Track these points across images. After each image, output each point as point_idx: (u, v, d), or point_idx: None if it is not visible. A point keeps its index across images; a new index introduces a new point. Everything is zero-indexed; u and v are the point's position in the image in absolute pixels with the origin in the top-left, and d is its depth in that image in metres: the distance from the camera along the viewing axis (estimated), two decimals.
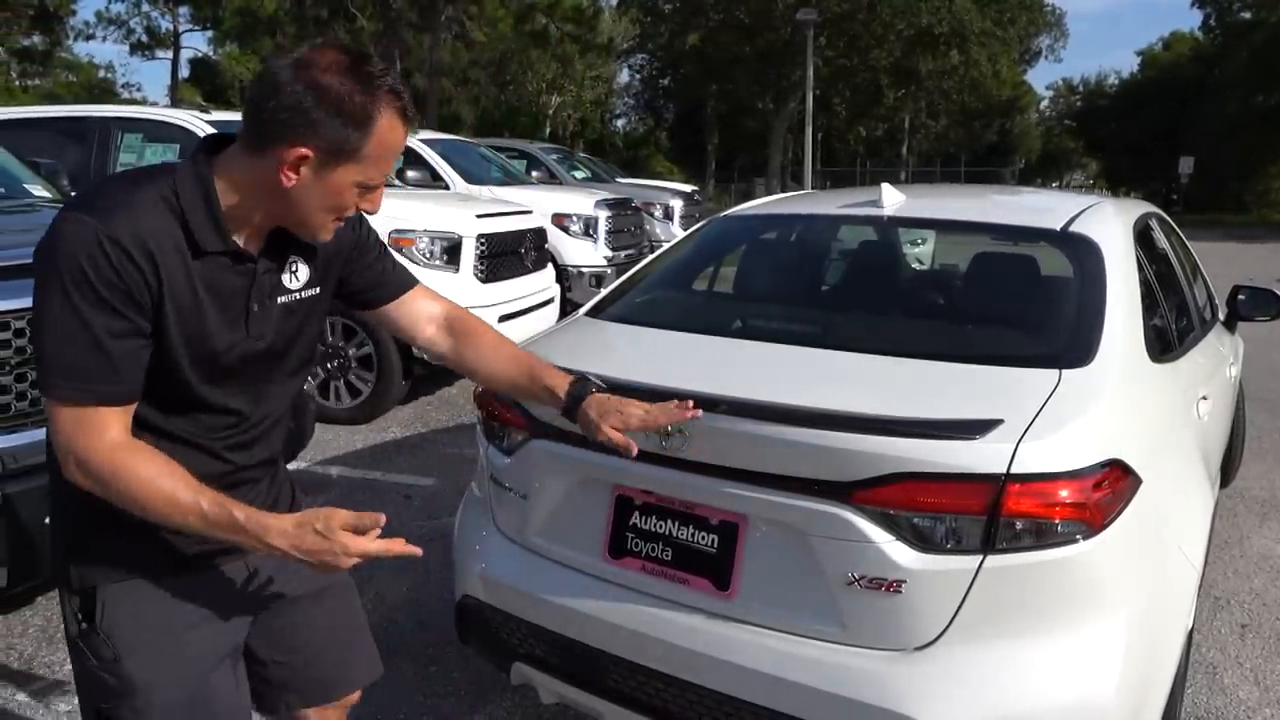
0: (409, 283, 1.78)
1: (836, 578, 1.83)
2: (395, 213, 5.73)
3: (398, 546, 1.42)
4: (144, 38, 35.39)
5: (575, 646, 2.13)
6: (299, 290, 1.57)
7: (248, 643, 1.68)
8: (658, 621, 2.01)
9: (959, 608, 1.78)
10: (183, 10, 35.09)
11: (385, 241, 5.58)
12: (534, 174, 11.29)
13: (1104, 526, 1.81)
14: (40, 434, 2.69)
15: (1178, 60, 47.19)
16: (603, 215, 8.62)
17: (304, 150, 1.34)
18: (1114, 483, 1.85)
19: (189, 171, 1.39)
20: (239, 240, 1.43)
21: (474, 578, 2.34)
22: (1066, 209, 2.76)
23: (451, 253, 5.76)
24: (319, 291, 1.62)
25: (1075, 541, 1.78)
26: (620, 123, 50.39)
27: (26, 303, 2.68)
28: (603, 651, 2.08)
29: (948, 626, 1.79)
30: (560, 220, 8.32)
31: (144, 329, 1.35)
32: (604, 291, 2.86)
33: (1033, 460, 1.76)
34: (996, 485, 1.75)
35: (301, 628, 1.73)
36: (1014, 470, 1.75)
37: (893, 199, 2.85)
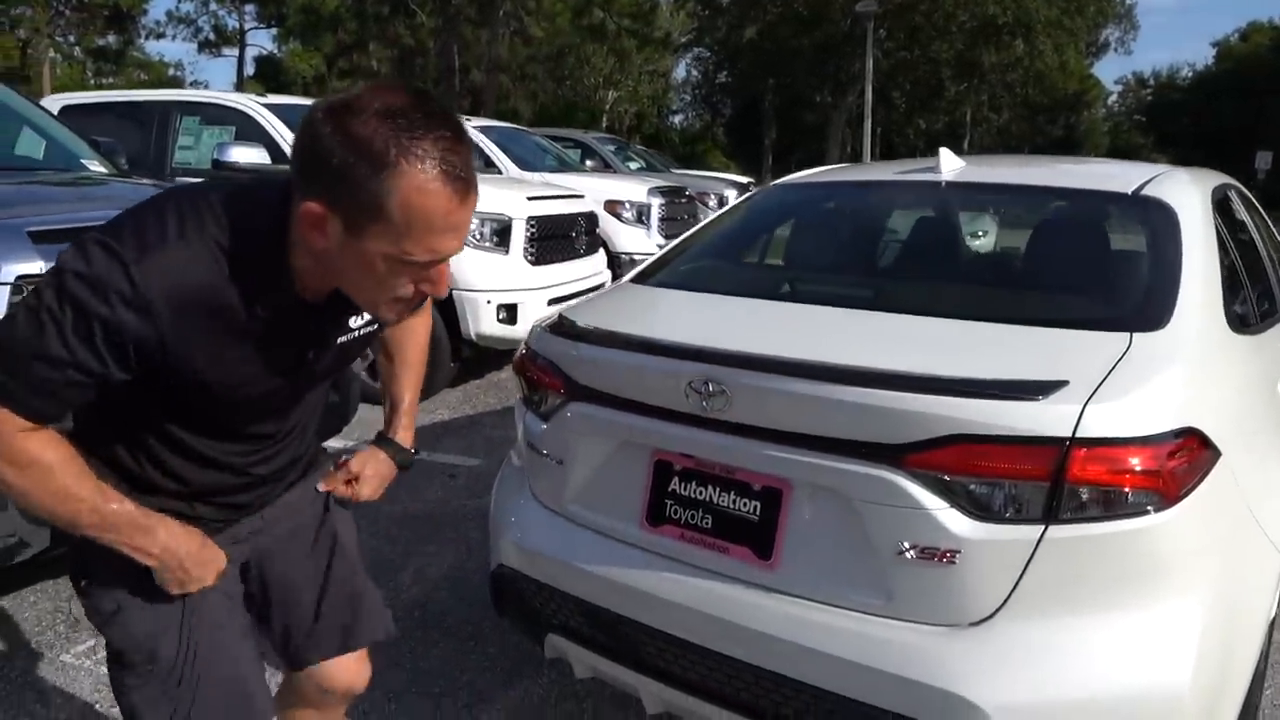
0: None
1: (885, 547, 1.72)
2: None
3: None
4: (211, 36, 36.23)
5: (610, 617, 2.05)
6: (359, 328, 1.47)
7: (251, 593, 1.65)
8: (696, 592, 1.92)
9: (1018, 582, 1.66)
10: (249, 8, 35.87)
11: None
12: (588, 163, 11.25)
13: (1178, 499, 1.67)
14: None
15: (1255, 51, 45.54)
16: (656, 202, 8.54)
17: (317, 207, 1.15)
18: (1190, 453, 1.71)
19: (260, 217, 1.23)
20: (306, 293, 1.29)
21: (509, 547, 2.28)
22: (1138, 174, 2.60)
23: (501, 234, 5.73)
24: (376, 327, 1.52)
25: (1147, 513, 1.64)
26: (677, 119, 50.25)
27: None
28: (638, 623, 2.00)
29: (1005, 602, 1.67)
30: (613, 207, 8.25)
31: (113, 378, 1.21)
32: (649, 259, 2.77)
33: (1101, 423, 1.64)
34: (1061, 449, 1.62)
35: (301, 576, 1.69)
36: (1080, 434, 1.63)
37: (951, 164, 2.72)
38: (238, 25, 35.89)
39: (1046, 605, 1.66)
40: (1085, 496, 1.64)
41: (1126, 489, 1.64)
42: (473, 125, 8.87)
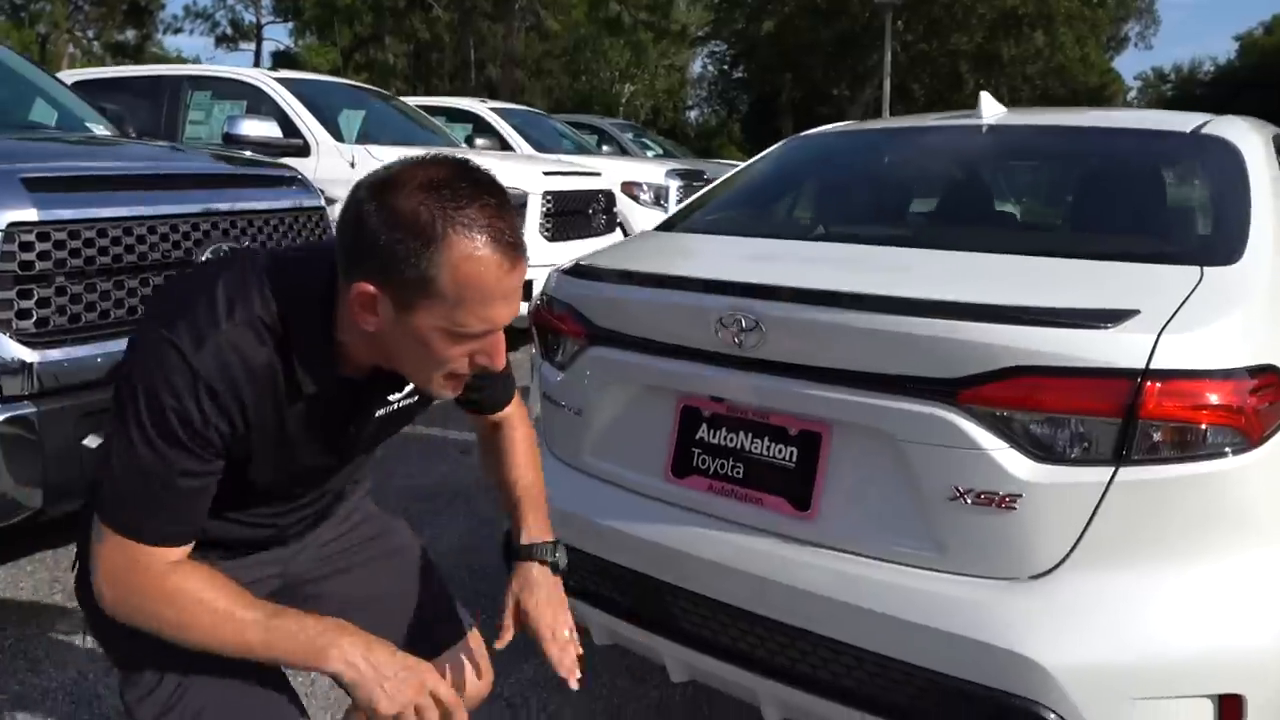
0: (508, 396, 1.61)
1: (937, 493, 1.56)
2: None
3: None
4: (228, 30, 36.32)
5: (631, 577, 1.90)
6: (399, 400, 1.41)
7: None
8: (726, 547, 1.77)
9: (1084, 530, 1.50)
10: (265, 2, 35.94)
11: None
12: (605, 149, 11.11)
13: (1262, 440, 1.51)
14: (76, 352, 2.58)
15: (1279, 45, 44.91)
16: (673, 185, 8.38)
17: (369, 287, 1.12)
18: (1274, 391, 1.55)
19: (306, 294, 1.21)
20: (350, 370, 1.27)
21: None
22: (1190, 118, 2.43)
23: (517, 210, 5.58)
24: (419, 399, 1.44)
25: (1226, 454, 1.49)
26: (693, 114, 50.06)
27: (64, 214, 2.60)
28: (662, 582, 1.85)
29: (1070, 552, 1.51)
30: (630, 188, 8.10)
31: (219, 469, 1.22)
32: (671, 211, 2.62)
33: (1177, 355, 1.48)
34: (1133, 383, 1.47)
35: (361, 593, 1.57)
36: (1154, 365, 1.47)
37: (993, 109, 2.57)
38: (254, 20, 36.01)
39: (1116, 556, 1.50)
40: (1159, 435, 1.48)
41: (1205, 427, 1.48)
42: (488, 107, 8.75)
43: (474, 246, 1.10)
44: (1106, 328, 1.50)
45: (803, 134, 2.93)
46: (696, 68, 45.97)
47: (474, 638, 1.65)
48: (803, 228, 2.36)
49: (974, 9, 29.93)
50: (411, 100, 8.38)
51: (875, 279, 1.72)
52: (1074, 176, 2.15)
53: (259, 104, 5.80)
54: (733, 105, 47.93)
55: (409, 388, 1.39)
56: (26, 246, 2.47)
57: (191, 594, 1.18)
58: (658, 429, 1.90)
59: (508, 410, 1.62)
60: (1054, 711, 1.47)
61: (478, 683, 1.62)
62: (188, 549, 1.22)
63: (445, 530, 3.48)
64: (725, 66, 43.10)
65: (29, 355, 2.45)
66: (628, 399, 1.96)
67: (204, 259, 2.94)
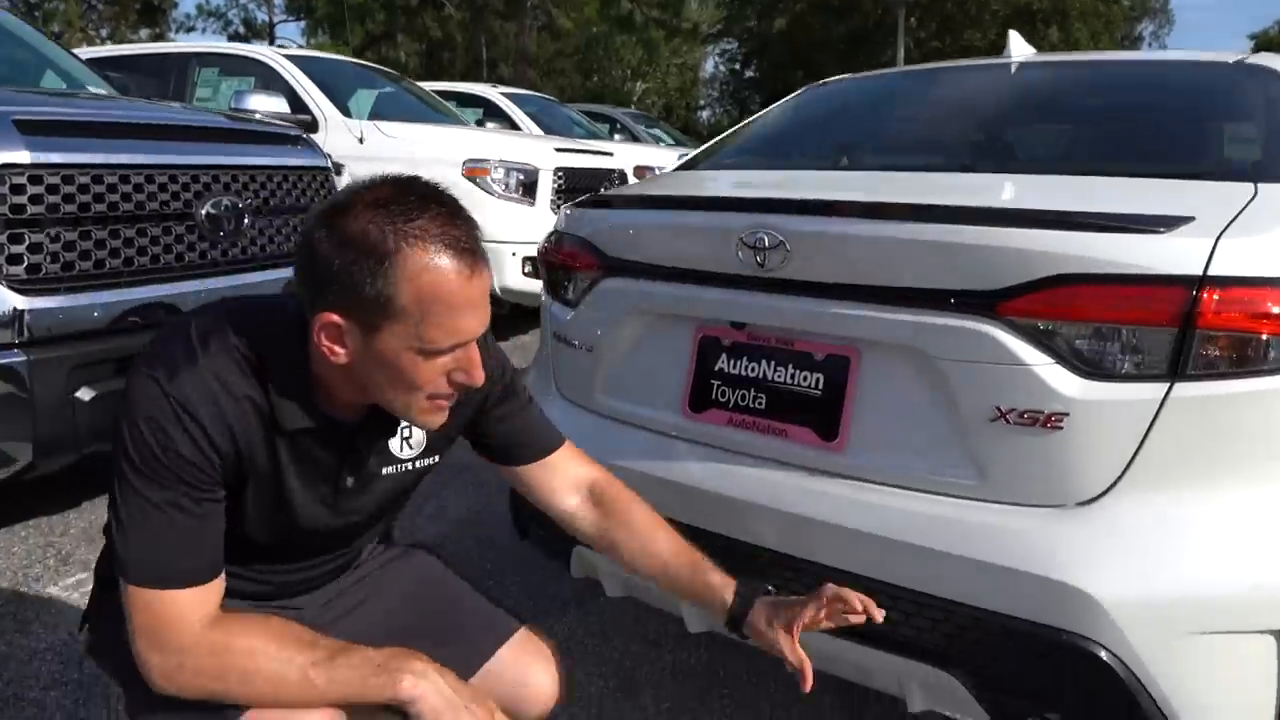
0: (555, 442, 1.48)
1: (976, 414, 1.45)
2: (470, 144, 5.50)
3: None
4: (240, 29, 36.40)
5: None
6: (412, 460, 1.33)
7: None
8: (746, 482, 1.66)
9: (1136, 451, 1.39)
10: (278, 1, 36.01)
11: (460, 172, 5.25)
12: (617, 137, 11.01)
13: None
14: (70, 301, 2.49)
15: None
16: None
17: (333, 317, 1.09)
18: None
19: (279, 327, 1.18)
20: (335, 409, 1.21)
21: None
22: (1230, 55, 2.32)
23: (528, 186, 5.50)
24: (436, 460, 1.38)
25: None
26: (704, 114, 49.98)
27: (57, 158, 2.52)
28: (679, 523, 1.73)
29: (1121, 475, 1.40)
30: (642, 172, 7.99)
31: (221, 498, 1.17)
32: (690, 154, 2.52)
33: (1238, 260, 1.37)
34: (1189, 290, 1.35)
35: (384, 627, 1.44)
36: (1213, 272, 1.36)
37: (1021, 49, 2.45)
38: (267, 18, 36.08)
39: (1170, 480, 1.39)
40: (1218, 347, 1.37)
41: (1267, 337, 1.36)
42: (499, 92, 8.67)
43: (429, 257, 1.06)
44: (1160, 232, 1.39)
45: (820, 82, 2.82)
46: (709, 67, 45.90)
47: (527, 638, 1.51)
48: (828, 159, 2.24)
49: (987, 5, 29.75)
50: (424, 86, 8.31)
51: (906, 192, 1.61)
52: (1116, 103, 2.04)
53: (267, 81, 5.72)
54: (744, 105, 47.81)
55: (421, 445, 1.34)
56: (18, 189, 2.39)
57: (241, 641, 1.12)
58: (674, 362, 1.80)
59: (571, 457, 1.50)
60: (1105, 647, 1.36)
61: (544, 684, 1.47)
62: (217, 592, 1.16)
63: (452, 502, 3.38)
64: (737, 65, 43.02)
65: (19, 302, 2.37)
66: (642, 331, 1.85)
67: (203, 212, 2.86)
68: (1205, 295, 1.35)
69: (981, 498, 1.47)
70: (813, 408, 1.62)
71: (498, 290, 5.33)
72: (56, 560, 2.76)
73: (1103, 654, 1.36)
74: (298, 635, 1.15)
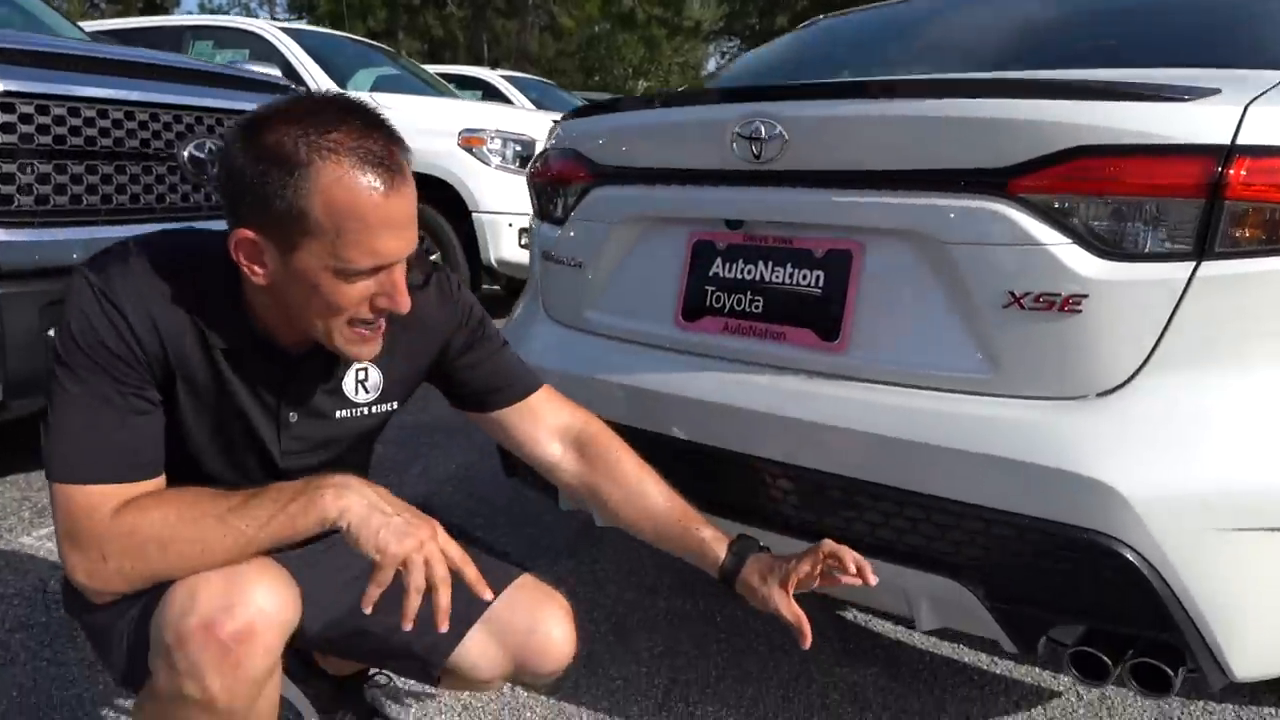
0: (532, 385, 1.42)
1: (988, 301, 1.36)
2: (467, 114, 5.42)
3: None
4: None
5: (639, 436, 1.69)
6: (367, 404, 1.29)
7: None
8: (743, 389, 1.57)
9: (1161, 336, 1.29)
10: None
11: (456, 141, 5.14)
12: None
13: None
14: (44, 236, 2.41)
15: None
16: None
17: (248, 233, 1.06)
18: None
19: (213, 246, 1.15)
20: (275, 336, 1.18)
21: None
22: None
23: (525, 158, 5.40)
24: (394, 406, 1.34)
25: None
26: None
27: (32, 87, 2.43)
28: (673, 439, 1.65)
29: (1145, 362, 1.30)
30: None
31: (153, 401, 1.13)
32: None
33: (1269, 128, 1.27)
34: (1217, 160, 1.26)
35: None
36: (1242, 141, 1.26)
37: None
38: (269, 15, 36.19)
39: (1198, 366, 1.29)
40: (1248, 221, 1.27)
41: None
42: (499, 75, 8.60)
43: (342, 170, 1.02)
44: (1185, 100, 1.29)
45: (818, 18, 2.73)
46: (711, 66, 45.83)
47: (534, 583, 1.41)
48: (828, 71, 2.14)
49: None
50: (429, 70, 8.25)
51: (911, 73, 1.52)
52: (1133, 6, 1.94)
53: (262, 52, 5.64)
54: None
55: (377, 389, 1.30)
56: None
57: (154, 514, 1.06)
58: (666, 271, 1.70)
59: (551, 400, 1.42)
60: (1130, 546, 1.26)
61: (557, 633, 1.36)
62: (139, 487, 1.10)
63: (444, 460, 3.30)
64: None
65: None
66: (633, 241, 1.76)
67: (186, 154, 2.77)
68: (1234, 165, 1.25)
69: (995, 391, 1.37)
70: (813, 308, 1.52)
71: (493, 262, 5.24)
72: (32, 513, 2.68)
73: (1128, 554, 1.26)
74: (209, 494, 1.10)
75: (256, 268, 1.09)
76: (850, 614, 2.20)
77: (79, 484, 1.06)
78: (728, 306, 1.62)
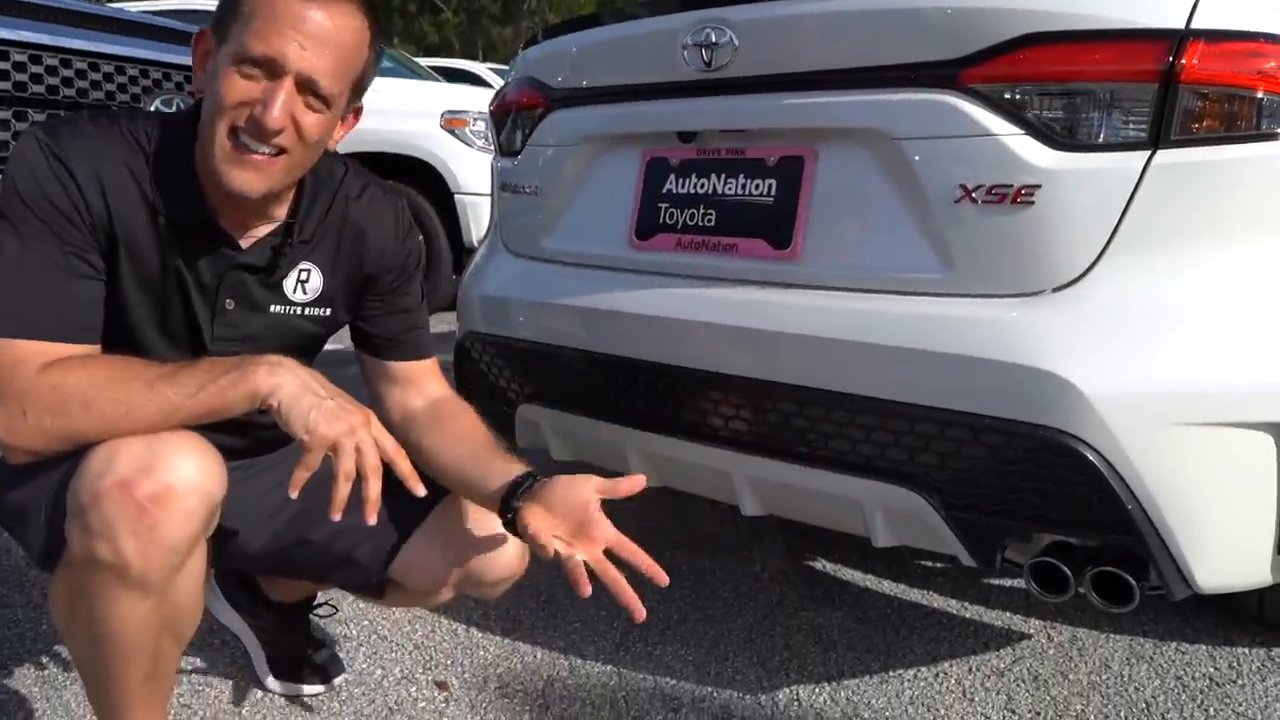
0: (426, 352, 1.40)
1: (940, 196, 1.32)
2: (450, 96, 5.39)
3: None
4: None
5: (593, 360, 1.66)
6: (304, 305, 1.27)
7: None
8: (695, 303, 1.53)
9: (1117, 227, 1.26)
10: None
11: (438, 123, 5.09)
12: None
13: None
14: None
15: None
16: None
17: (207, 31, 1.10)
18: None
19: (175, 130, 1.15)
20: (228, 221, 1.16)
21: (474, 307, 1.90)
22: None
23: None
24: (330, 313, 1.30)
25: None
26: None
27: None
28: (627, 359, 1.61)
29: (1101, 255, 1.26)
30: None
31: (95, 266, 1.11)
32: None
33: (1225, 11, 1.24)
34: (1171, 44, 1.22)
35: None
36: (1197, 24, 1.23)
37: None
38: None
39: (1156, 258, 1.25)
40: (1204, 107, 1.23)
41: (1260, 95, 1.23)
42: (488, 67, 8.58)
43: None
44: None
45: None
46: None
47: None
48: None
49: None
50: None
51: None
52: None
53: None
54: None
55: (316, 290, 1.27)
56: None
57: (81, 372, 1.03)
58: (620, 191, 1.67)
59: (429, 374, 1.39)
60: (1087, 443, 1.22)
61: (500, 545, 1.28)
62: (74, 349, 1.07)
63: None
64: None
65: None
66: (587, 163, 1.73)
67: (153, 108, 2.74)
68: (1189, 47, 1.22)
69: (950, 291, 1.33)
70: (765, 217, 1.48)
71: (476, 244, 5.20)
72: None
73: (1085, 451, 1.22)
74: (141, 362, 1.07)
75: (200, 73, 1.12)
76: (819, 562, 2.15)
77: (8, 338, 1.03)
78: (681, 223, 1.58)
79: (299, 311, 1.27)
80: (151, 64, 2.75)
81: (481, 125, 5.33)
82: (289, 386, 1.03)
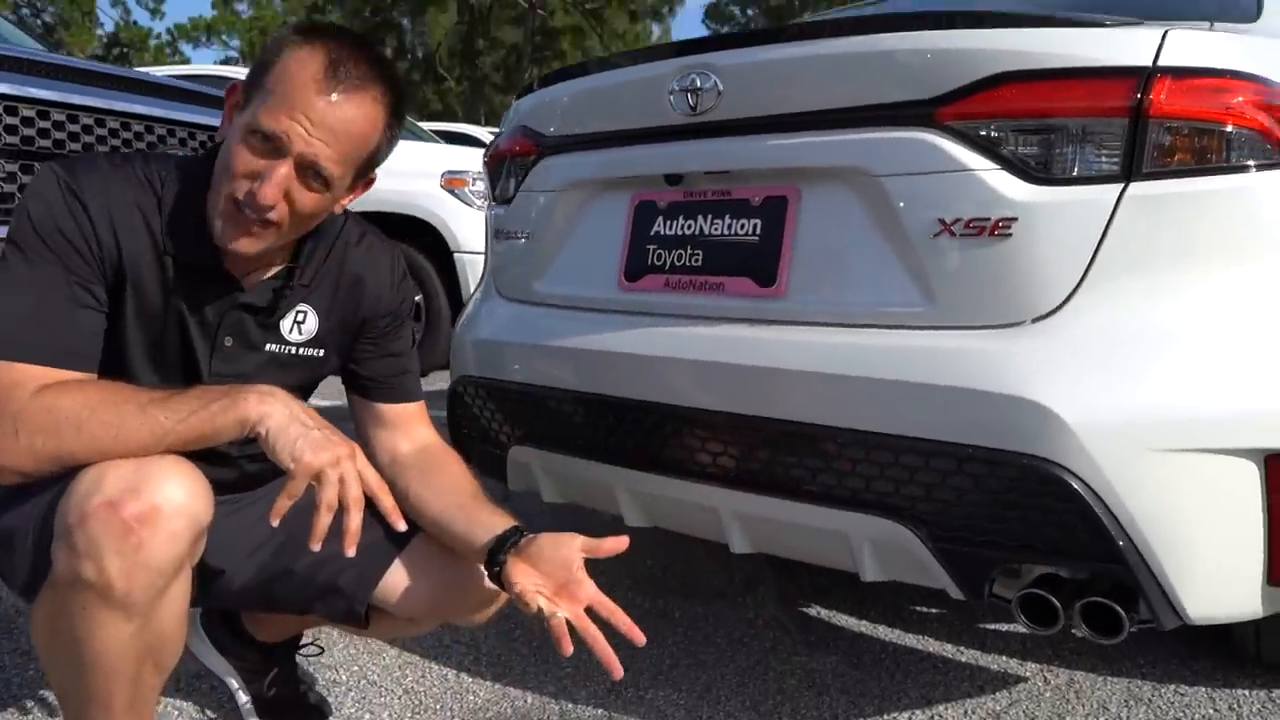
0: (415, 395, 1.44)
1: (920, 230, 1.35)
2: (450, 157, 5.49)
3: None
4: None
5: (583, 400, 1.67)
6: (298, 345, 1.31)
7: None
8: (682, 341, 1.54)
9: (1093, 258, 1.28)
10: None
11: (439, 183, 5.18)
12: None
13: None
14: None
15: None
16: None
17: (238, 87, 1.15)
18: None
19: (189, 173, 1.19)
20: (231, 264, 1.20)
21: (468, 352, 1.91)
22: None
23: None
24: (323, 355, 1.34)
25: (1250, 168, 1.27)
26: None
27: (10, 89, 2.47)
28: (616, 398, 1.62)
29: (1078, 286, 1.29)
30: None
31: (98, 298, 1.14)
32: None
33: (1190, 51, 1.28)
34: (1139, 79, 1.26)
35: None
36: (1164, 62, 1.27)
37: None
38: None
39: (1132, 289, 1.28)
40: (1173, 140, 1.27)
41: (1228, 129, 1.26)
42: (489, 131, 8.75)
43: (312, 52, 1.10)
44: (1105, 25, 1.30)
45: None
46: None
47: None
48: None
49: None
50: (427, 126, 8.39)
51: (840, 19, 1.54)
52: None
53: None
54: None
55: (311, 332, 1.31)
56: None
57: (75, 394, 1.06)
58: (610, 234, 1.70)
59: (418, 419, 1.42)
60: (1069, 470, 1.23)
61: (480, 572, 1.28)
62: (69, 377, 1.09)
63: None
64: None
65: None
66: (578, 208, 1.76)
67: None
68: (1156, 85, 1.26)
69: (932, 324, 1.35)
70: (751, 256, 1.51)
71: None
72: None
73: (1068, 478, 1.23)
74: (134, 387, 1.09)
75: (226, 124, 1.16)
76: (813, 609, 2.13)
77: (9, 360, 1.05)
78: (669, 263, 1.61)
79: (293, 351, 1.31)
80: (156, 120, 2.82)
81: (480, 185, 5.43)
82: (277, 415, 1.05)
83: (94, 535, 0.95)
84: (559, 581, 1.16)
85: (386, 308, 1.36)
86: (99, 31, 33.97)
